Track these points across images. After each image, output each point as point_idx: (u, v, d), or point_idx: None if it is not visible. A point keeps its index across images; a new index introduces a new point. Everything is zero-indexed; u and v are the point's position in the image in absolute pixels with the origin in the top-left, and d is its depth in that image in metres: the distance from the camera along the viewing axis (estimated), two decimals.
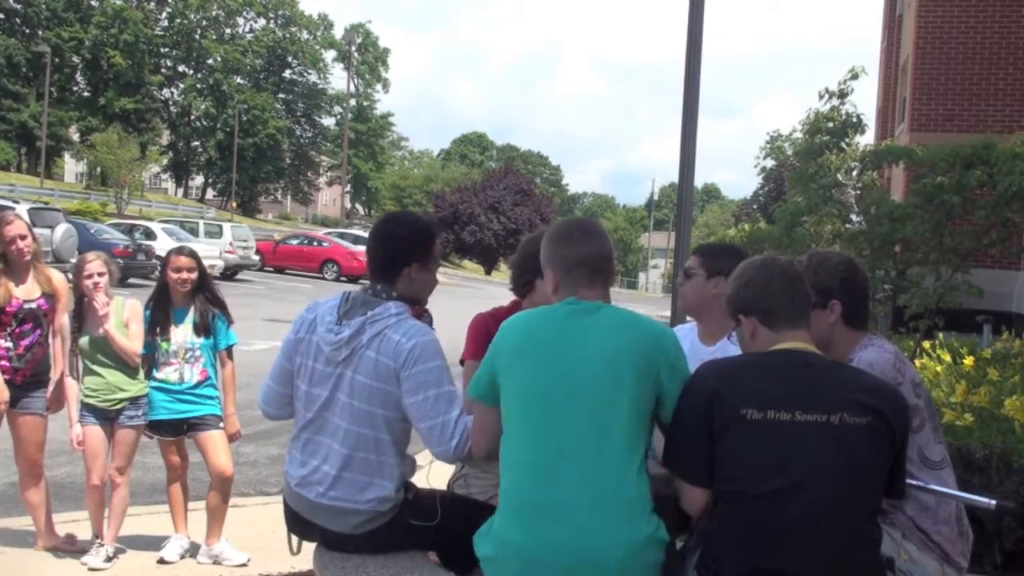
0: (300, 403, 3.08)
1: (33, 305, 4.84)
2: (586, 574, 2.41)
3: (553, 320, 2.64)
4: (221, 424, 4.95)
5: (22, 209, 21.30)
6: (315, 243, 34.38)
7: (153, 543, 5.07)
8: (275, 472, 7.31)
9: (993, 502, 2.80)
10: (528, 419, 2.54)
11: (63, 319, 4.88)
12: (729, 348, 2.96)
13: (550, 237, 2.80)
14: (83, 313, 4.81)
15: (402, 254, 3.02)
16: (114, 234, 24.70)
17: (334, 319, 3.00)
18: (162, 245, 26.28)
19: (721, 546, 2.40)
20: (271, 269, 32.90)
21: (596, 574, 2.41)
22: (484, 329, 3.48)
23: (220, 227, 31.54)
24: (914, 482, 2.79)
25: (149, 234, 26.91)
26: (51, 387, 4.91)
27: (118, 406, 4.77)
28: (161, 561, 4.87)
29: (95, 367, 4.78)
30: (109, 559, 4.76)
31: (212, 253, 26.63)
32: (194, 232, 29.82)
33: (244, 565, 4.90)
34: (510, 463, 2.57)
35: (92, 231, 23.58)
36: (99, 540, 4.83)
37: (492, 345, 2.71)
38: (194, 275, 4.90)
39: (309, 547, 3.30)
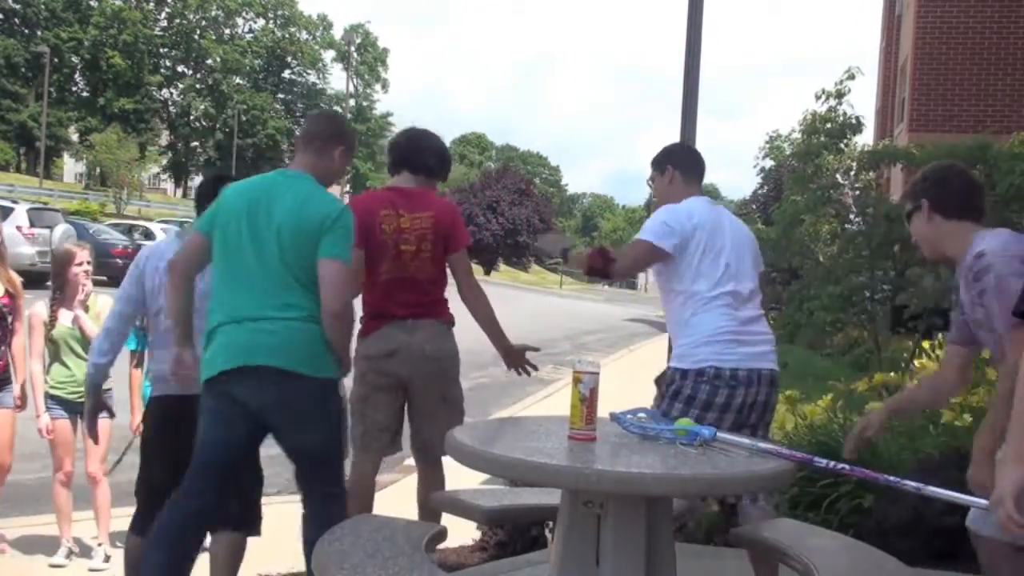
0: None
1: None
2: None
3: None
4: None
5: (21, 209, 21.28)
6: None
7: None
8: (275, 472, 7.30)
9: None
10: None
11: (35, 309, 4.88)
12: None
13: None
14: (59, 303, 4.81)
15: None
16: (113, 234, 24.70)
17: None
18: None
19: None
20: None
21: None
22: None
23: None
24: (911, 483, 2.79)
25: (148, 234, 26.89)
26: (16, 384, 4.81)
27: (84, 399, 4.77)
28: None
29: (64, 358, 4.79)
30: (107, 559, 4.78)
31: None
32: None
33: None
34: None
35: (91, 231, 23.56)
36: (65, 539, 4.81)
37: None
38: None
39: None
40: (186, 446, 3.30)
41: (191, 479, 3.25)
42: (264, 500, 6.23)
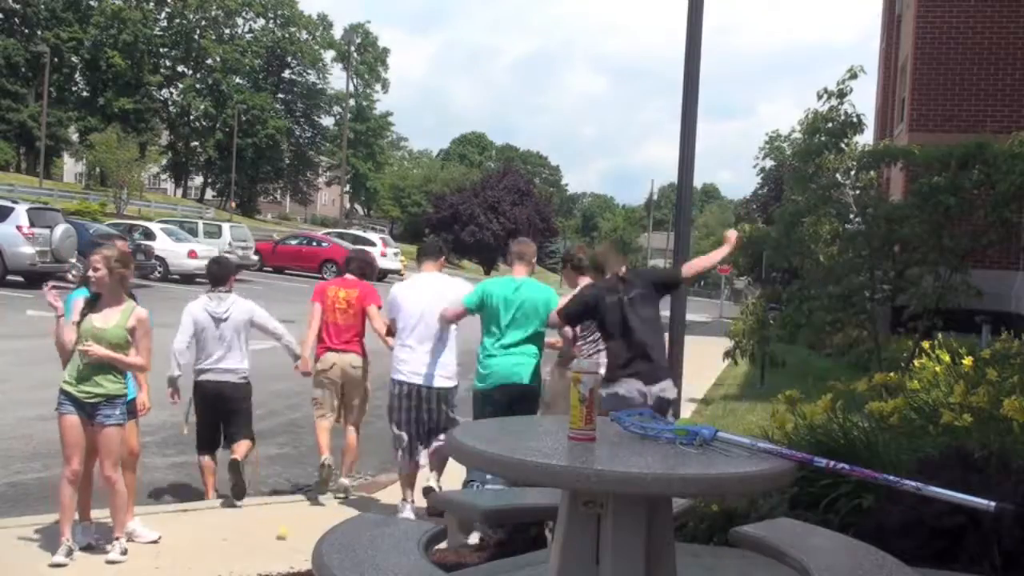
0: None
1: None
2: None
3: None
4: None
5: (21, 209, 21.23)
6: (314, 243, 34.33)
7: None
8: (273, 472, 7.30)
9: (992, 504, 2.80)
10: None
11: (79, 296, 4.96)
12: None
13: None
14: (91, 303, 4.89)
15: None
16: (113, 234, 24.67)
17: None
18: (161, 245, 26.28)
19: (612, 364, 5.00)
20: (270, 269, 32.84)
21: None
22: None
23: (219, 227, 31.54)
24: (910, 483, 2.79)
25: (148, 234, 26.86)
26: None
27: (93, 399, 4.79)
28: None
29: (79, 357, 4.79)
30: (124, 551, 4.83)
31: (211, 253, 26.61)
32: (193, 232, 29.79)
33: (155, 542, 5.18)
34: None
35: (91, 231, 23.52)
36: (64, 538, 4.82)
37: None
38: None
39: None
40: (217, 410, 6.21)
41: None
42: (263, 500, 6.28)
